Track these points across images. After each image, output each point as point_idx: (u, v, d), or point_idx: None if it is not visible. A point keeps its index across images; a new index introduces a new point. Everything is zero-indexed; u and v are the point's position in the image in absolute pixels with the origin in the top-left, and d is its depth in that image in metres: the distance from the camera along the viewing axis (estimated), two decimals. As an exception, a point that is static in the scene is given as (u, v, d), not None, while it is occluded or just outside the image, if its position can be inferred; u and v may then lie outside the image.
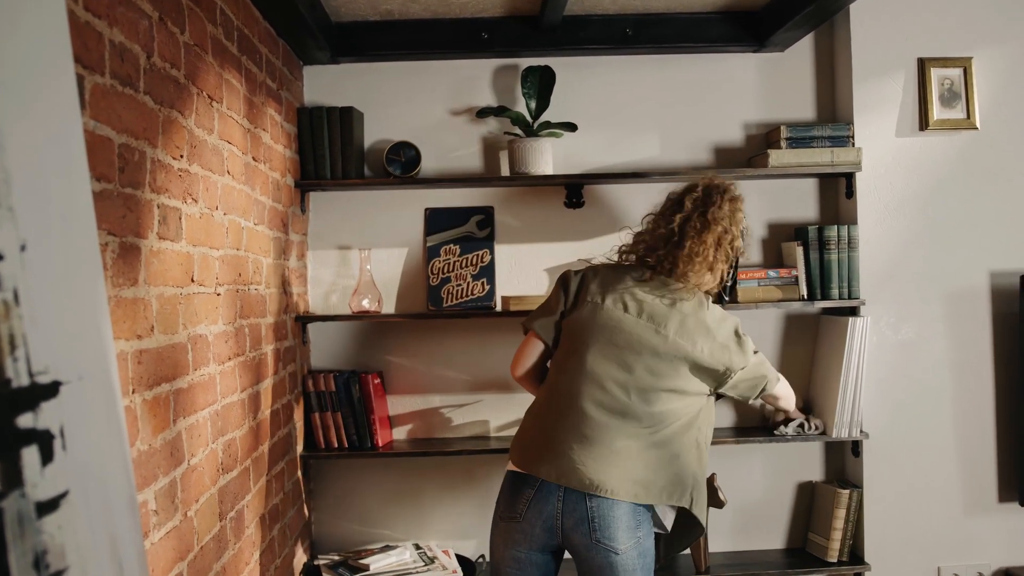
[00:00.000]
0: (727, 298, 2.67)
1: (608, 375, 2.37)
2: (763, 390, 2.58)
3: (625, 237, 2.70)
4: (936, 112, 3.31)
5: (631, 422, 2.34)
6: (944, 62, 3.32)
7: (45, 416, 1.02)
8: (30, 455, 0.98)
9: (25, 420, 0.98)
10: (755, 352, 2.52)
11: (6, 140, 1.00)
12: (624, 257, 2.61)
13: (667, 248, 2.48)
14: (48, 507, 1.00)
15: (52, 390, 1.04)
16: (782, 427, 3.22)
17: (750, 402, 2.62)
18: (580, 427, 2.34)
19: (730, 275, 2.56)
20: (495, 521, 2.45)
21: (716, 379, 2.45)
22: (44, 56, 1.12)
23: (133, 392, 1.67)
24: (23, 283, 1.00)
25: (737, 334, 2.48)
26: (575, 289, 2.51)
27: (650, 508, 2.37)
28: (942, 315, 3.33)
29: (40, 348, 1.02)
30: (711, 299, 2.53)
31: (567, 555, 2.47)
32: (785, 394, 2.73)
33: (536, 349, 2.57)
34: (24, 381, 0.98)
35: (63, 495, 1.04)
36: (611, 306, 2.42)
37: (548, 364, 2.56)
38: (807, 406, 3.43)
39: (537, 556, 2.38)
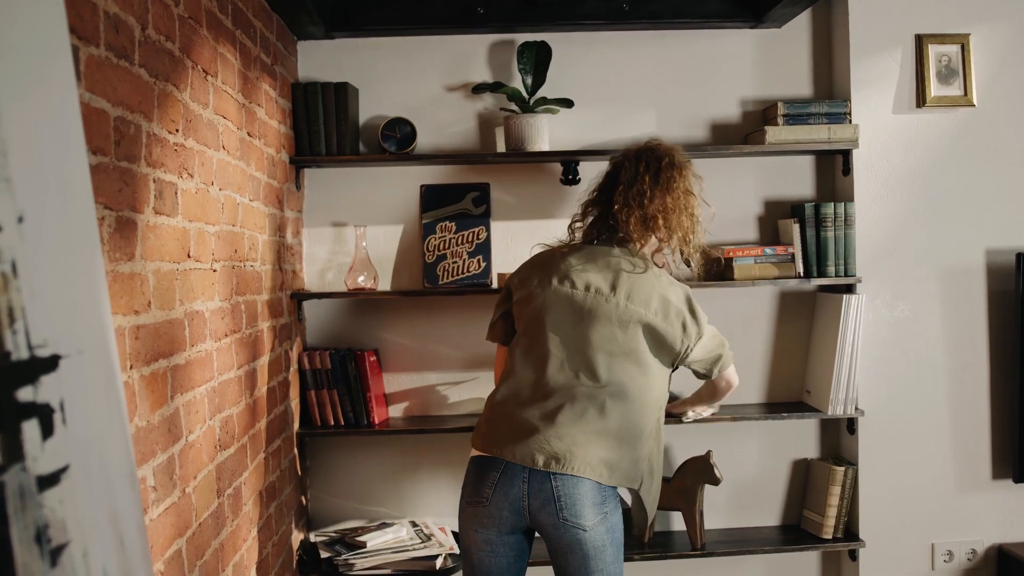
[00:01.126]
0: (691, 270, 2.68)
1: (566, 354, 2.36)
2: (721, 366, 2.58)
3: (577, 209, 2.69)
4: (933, 89, 3.30)
5: (593, 401, 2.33)
6: (942, 39, 3.31)
7: (45, 390, 1.01)
8: (30, 429, 0.97)
9: (25, 393, 0.97)
10: (709, 324, 2.52)
11: (3, 109, 0.98)
12: (572, 232, 2.60)
13: (623, 213, 2.47)
14: (49, 481, 0.99)
15: (52, 364, 1.03)
16: (690, 413, 3.13)
17: (713, 378, 2.62)
18: (543, 408, 2.33)
19: (693, 246, 2.54)
20: (461, 507, 2.41)
21: (672, 352, 2.43)
22: (40, 25, 1.10)
23: (131, 368, 1.66)
24: (21, 255, 0.99)
25: (690, 302, 2.46)
26: (516, 282, 2.52)
27: (613, 487, 2.37)
28: (938, 293, 3.34)
29: (39, 321, 1.01)
30: (667, 270, 2.54)
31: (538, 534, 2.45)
32: (734, 384, 2.71)
33: (500, 353, 2.65)
34: (24, 354, 0.97)
35: (63, 469, 1.03)
36: (557, 286, 2.41)
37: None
38: (804, 383, 3.44)
39: (508, 537, 2.36)
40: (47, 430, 1.01)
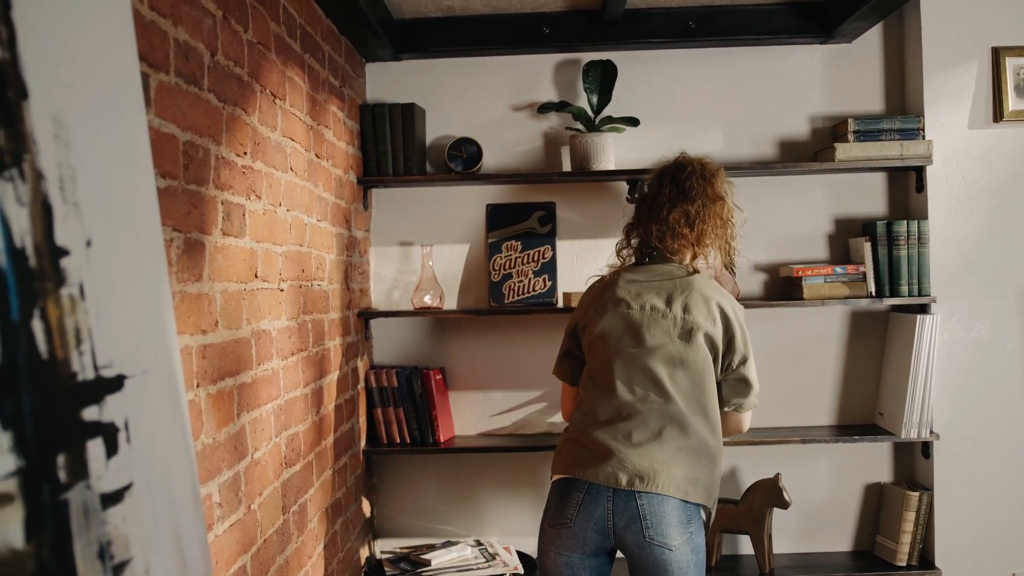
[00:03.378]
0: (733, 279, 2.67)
1: (632, 373, 2.33)
2: (742, 403, 2.46)
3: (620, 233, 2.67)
4: (1011, 103, 3.21)
5: (669, 418, 2.30)
6: (1019, 51, 3.21)
7: (110, 409, 1.04)
8: (95, 447, 1.00)
9: (90, 413, 1.00)
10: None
11: (72, 137, 1.02)
12: (620, 257, 2.58)
13: (651, 230, 2.46)
14: (112, 499, 1.02)
15: (117, 384, 1.06)
16: None
17: (728, 410, 2.49)
18: (620, 429, 2.30)
19: (733, 253, 2.52)
20: (543, 529, 2.38)
21: (717, 364, 2.38)
22: (110, 56, 1.14)
23: (198, 386, 1.69)
24: (88, 278, 1.02)
25: (740, 320, 2.41)
26: (577, 319, 2.51)
27: (697, 505, 2.34)
28: (1017, 312, 3.23)
29: (105, 342, 1.04)
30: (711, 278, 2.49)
31: (619, 554, 2.43)
32: (743, 429, 2.57)
33: (564, 390, 2.65)
34: (89, 375, 1.00)
35: (127, 487, 1.06)
36: (613, 310, 2.40)
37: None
38: (876, 405, 3.36)
39: (590, 560, 2.33)
40: (111, 449, 1.03)
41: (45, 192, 0.95)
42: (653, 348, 2.33)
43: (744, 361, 2.42)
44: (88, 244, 1.03)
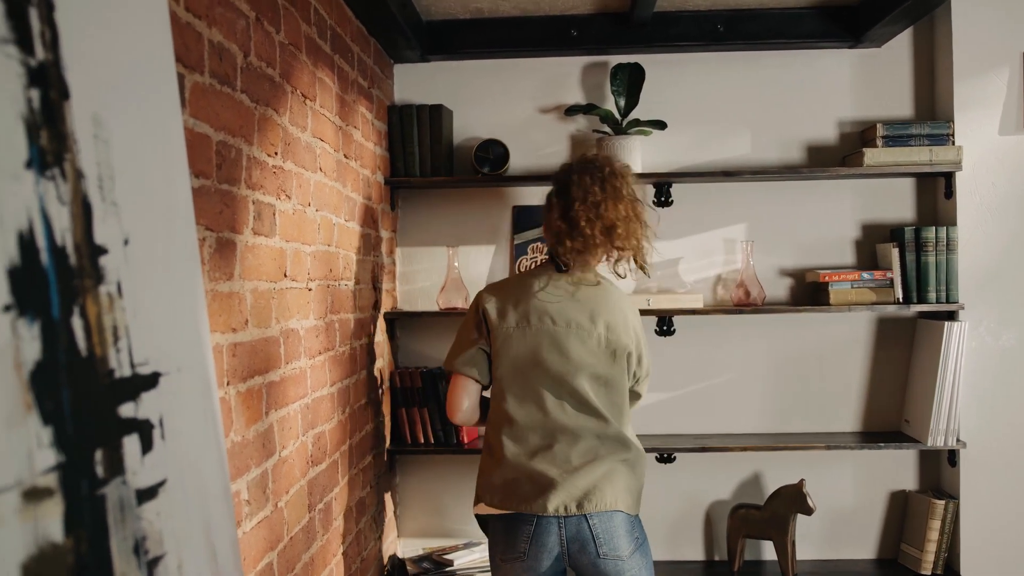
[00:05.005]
0: (646, 276, 2.52)
1: (561, 393, 2.31)
2: (634, 399, 2.50)
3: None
4: (1043, 109, 3.18)
5: (602, 437, 2.31)
6: (1052, 57, 3.19)
7: (145, 406, 1.05)
8: (131, 444, 1.01)
9: (127, 410, 1.01)
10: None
11: (112, 137, 1.03)
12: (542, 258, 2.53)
13: (564, 236, 2.36)
14: (147, 494, 1.03)
15: (152, 381, 1.07)
16: None
17: None
18: (556, 454, 2.29)
19: (646, 252, 2.42)
20: (496, 564, 2.36)
21: (630, 371, 2.39)
22: (148, 57, 1.15)
23: (228, 384, 1.71)
24: (126, 276, 1.03)
25: (642, 331, 2.44)
26: (494, 315, 2.38)
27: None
28: (1047, 321, 3.20)
29: (141, 340, 1.05)
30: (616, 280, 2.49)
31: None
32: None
33: (468, 388, 2.42)
34: (126, 372, 1.01)
35: (161, 483, 1.07)
36: (537, 325, 2.33)
37: (490, 399, 2.44)
38: (902, 413, 3.34)
39: None
40: (147, 445, 1.05)
41: (85, 191, 0.96)
42: (579, 367, 2.32)
43: (648, 374, 2.49)
44: (126, 243, 1.04)
